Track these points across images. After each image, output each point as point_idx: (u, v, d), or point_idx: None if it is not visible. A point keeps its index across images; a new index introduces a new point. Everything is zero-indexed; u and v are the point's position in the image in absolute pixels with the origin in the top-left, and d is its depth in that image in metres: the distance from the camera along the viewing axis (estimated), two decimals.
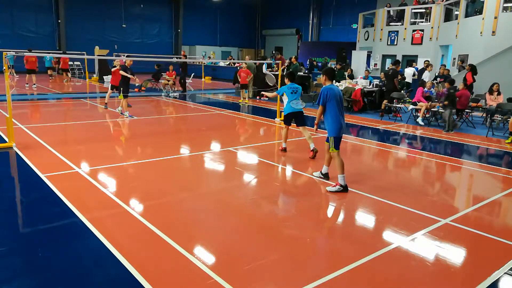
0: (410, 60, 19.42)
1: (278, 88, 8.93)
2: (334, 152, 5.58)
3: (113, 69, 12.10)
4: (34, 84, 17.51)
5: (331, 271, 3.44)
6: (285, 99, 7.46)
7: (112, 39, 30.55)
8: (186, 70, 18.48)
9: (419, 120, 11.49)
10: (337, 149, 5.57)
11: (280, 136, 8.64)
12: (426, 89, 11.79)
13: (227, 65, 28.37)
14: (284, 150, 7.70)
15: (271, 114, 12.41)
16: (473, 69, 12.82)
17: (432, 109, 11.38)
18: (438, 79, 13.95)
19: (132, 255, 3.59)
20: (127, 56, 18.79)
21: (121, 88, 11.29)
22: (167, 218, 4.51)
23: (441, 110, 11.20)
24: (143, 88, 17.88)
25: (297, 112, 7.42)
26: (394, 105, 12.68)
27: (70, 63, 25.25)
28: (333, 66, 21.51)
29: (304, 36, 34.98)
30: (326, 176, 6.04)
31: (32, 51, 19.11)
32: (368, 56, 22.46)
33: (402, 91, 13.22)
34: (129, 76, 11.04)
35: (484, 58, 14.64)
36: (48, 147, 7.42)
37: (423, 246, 4.02)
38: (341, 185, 5.47)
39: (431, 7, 20.14)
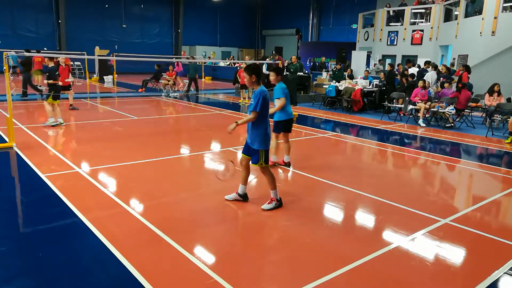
0: (410, 61, 19.40)
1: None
2: (264, 167, 4.84)
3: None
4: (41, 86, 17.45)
5: (331, 271, 3.44)
6: None
7: (112, 39, 30.56)
8: (29, 69, 14.68)
9: (420, 122, 11.45)
10: (267, 163, 4.90)
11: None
12: (421, 89, 11.75)
13: (227, 65, 28.38)
14: None
15: (271, 114, 12.37)
16: (467, 70, 12.85)
17: (431, 109, 11.37)
18: (441, 78, 13.93)
19: (132, 255, 3.59)
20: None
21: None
22: (167, 218, 4.51)
23: (440, 110, 11.20)
24: (140, 90, 18.02)
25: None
26: (394, 105, 12.69)
27: (71, 63, 23.84)
28: (332, 66, 21.62)
29: (304, 36, 34.98)
30: (245, 197, 5.05)
31: (32, 51, 18.92)
32: (368, 56, 22.44)
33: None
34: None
35: (484, 58, 14.65)
36: (48, 147, 7.43)
37: (423, 246, 4.02)
38: (277, 200, 4.87)
39: (431, 7, 20.14)
